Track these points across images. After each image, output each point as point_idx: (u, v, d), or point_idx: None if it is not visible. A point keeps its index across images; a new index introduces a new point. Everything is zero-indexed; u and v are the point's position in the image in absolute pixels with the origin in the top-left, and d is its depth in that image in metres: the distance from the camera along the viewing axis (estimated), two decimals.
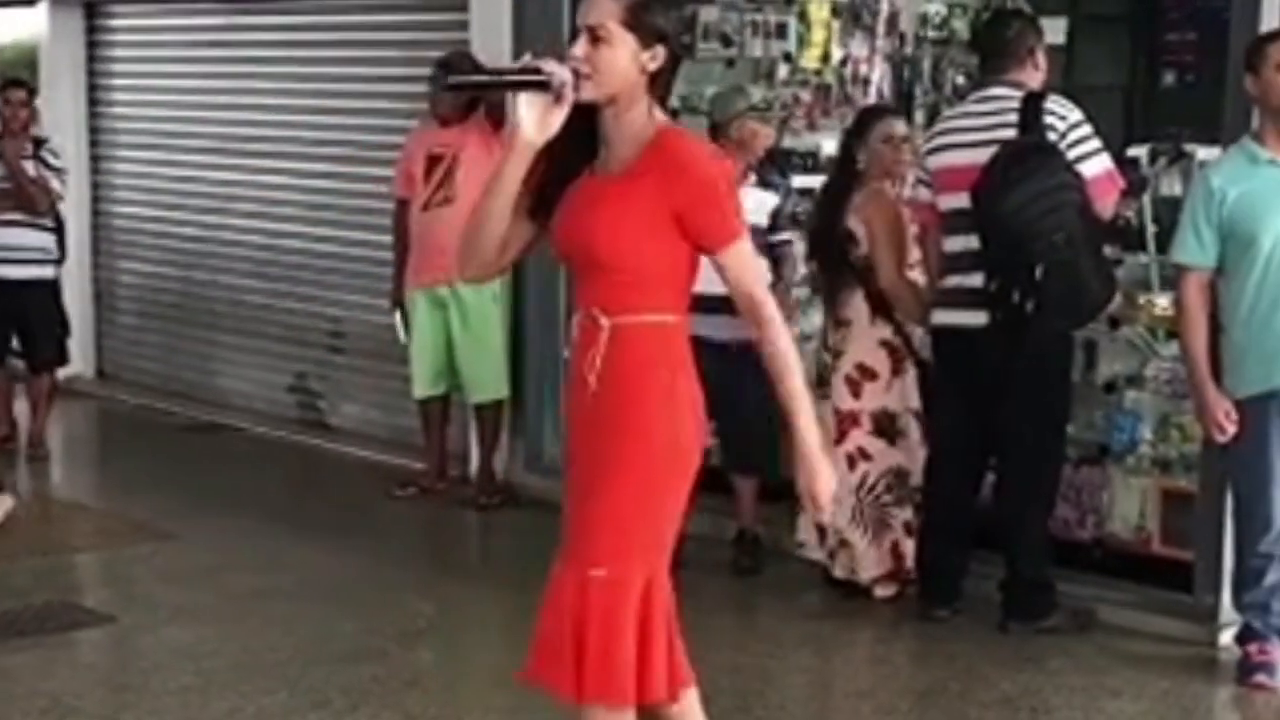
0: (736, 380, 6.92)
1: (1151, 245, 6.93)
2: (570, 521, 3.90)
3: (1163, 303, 6.72)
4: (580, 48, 3.71)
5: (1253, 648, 5.82)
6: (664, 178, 3.72)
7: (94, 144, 11.29)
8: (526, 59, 3.74)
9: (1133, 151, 7.51)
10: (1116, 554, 6.68)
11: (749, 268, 3.83)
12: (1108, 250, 6.90)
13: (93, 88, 11.30)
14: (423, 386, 8.33)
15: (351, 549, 7.40)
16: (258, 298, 10.25)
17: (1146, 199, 6.98)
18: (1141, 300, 6.76)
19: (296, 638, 6.21)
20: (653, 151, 3.74)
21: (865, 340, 6.62)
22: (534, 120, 3.67)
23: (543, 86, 3.65)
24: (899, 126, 6.73)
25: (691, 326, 6.92)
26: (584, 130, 3.77)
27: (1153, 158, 7.31)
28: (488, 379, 8.26)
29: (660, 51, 3.72)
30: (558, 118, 3.68)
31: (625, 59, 3.70)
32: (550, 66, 3.67)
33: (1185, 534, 6.42)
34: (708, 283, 6.91)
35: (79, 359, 10.57)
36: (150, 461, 9.00)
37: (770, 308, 3.82)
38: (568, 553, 3.85)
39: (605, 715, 3.80)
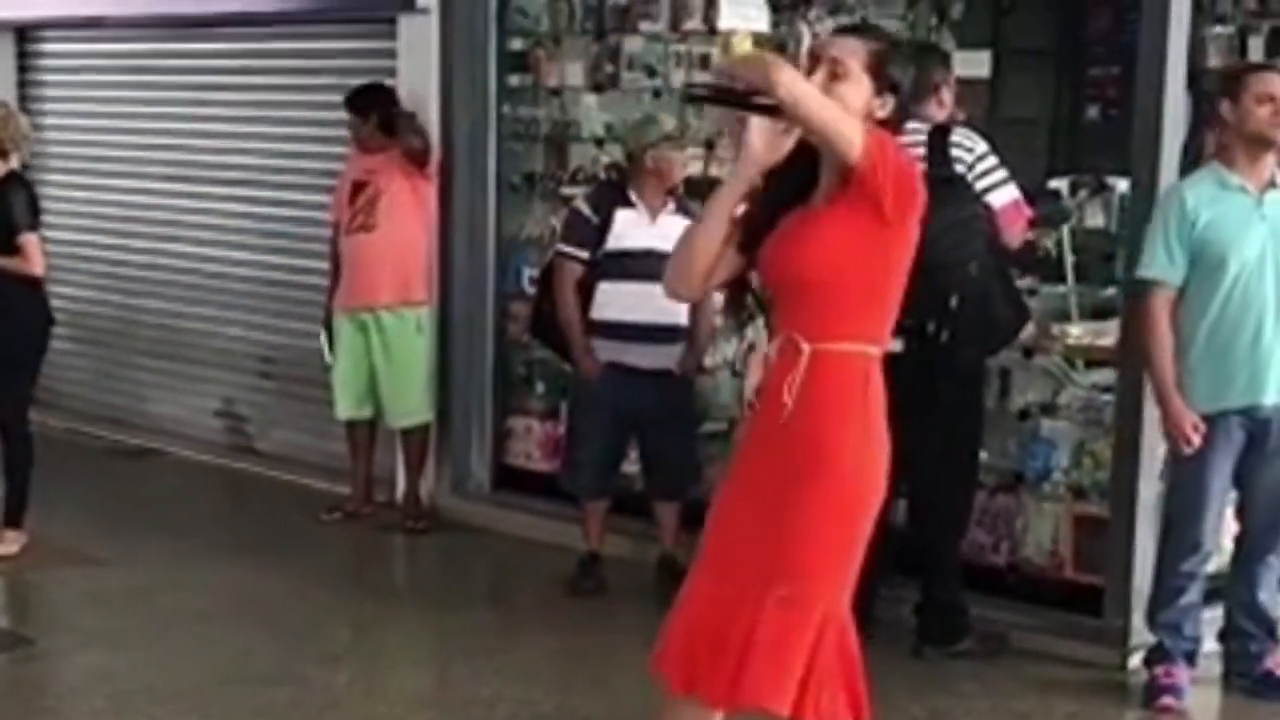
0: (660, 406, 7.05)
1: (1070, 276, 7.06)
2: (742, 539, 3.88)
3: (1076, 332, 6.85)
4: (819, 79, 3.76)
5: (1159, 670, 5.93)
6: (875, 199, 3.72)
7: (24, 168, 11.24)
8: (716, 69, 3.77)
9: (1054, 183, 7.65)
10: (1030, 579, 6.77)
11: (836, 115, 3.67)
12: (1029, 281, 7.05)
13: (24, 113, 11.26)
14: (345, 408, 8.39)
15: (276, 573, 7.43)
16: (188, 323, 10.25)
17: (1066, 230, 7.11)
18: (1055, 330, 6.87)
19: (215, 661, 6.24)
20: (859, 179, 3.72)
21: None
22: (764, 142, 3.71)
23: (776, 112, 3.65)
24: None
25: (614, 353, 7.10)
26: (804, 168, 3.81)
27: (1074, 189, 7.45)
28: (411, 404, 8.32)
29: (890, 101, 3.81)
30: (786, 144, 3.73)
31: (859, 101, 3.77)
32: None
33: (1097, 559, 6.52)
34: (633, 311, 7.06)
35: None
36: (78, 486, 8.99)
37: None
38: (736, 569, 3.85)
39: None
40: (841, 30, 4.00)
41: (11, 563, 7.47)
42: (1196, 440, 5.73)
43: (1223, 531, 6.09)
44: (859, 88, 3.79)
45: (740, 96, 3.67)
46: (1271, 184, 5.83)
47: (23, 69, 11.28)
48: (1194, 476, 5.82)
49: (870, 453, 3.91)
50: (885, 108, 3.83)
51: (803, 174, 3.83)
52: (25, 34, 11.21)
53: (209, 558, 7.66)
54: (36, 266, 7.51)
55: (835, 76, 3.77)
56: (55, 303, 10.79)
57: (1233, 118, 5.78)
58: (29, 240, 7.46)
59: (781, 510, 3.83)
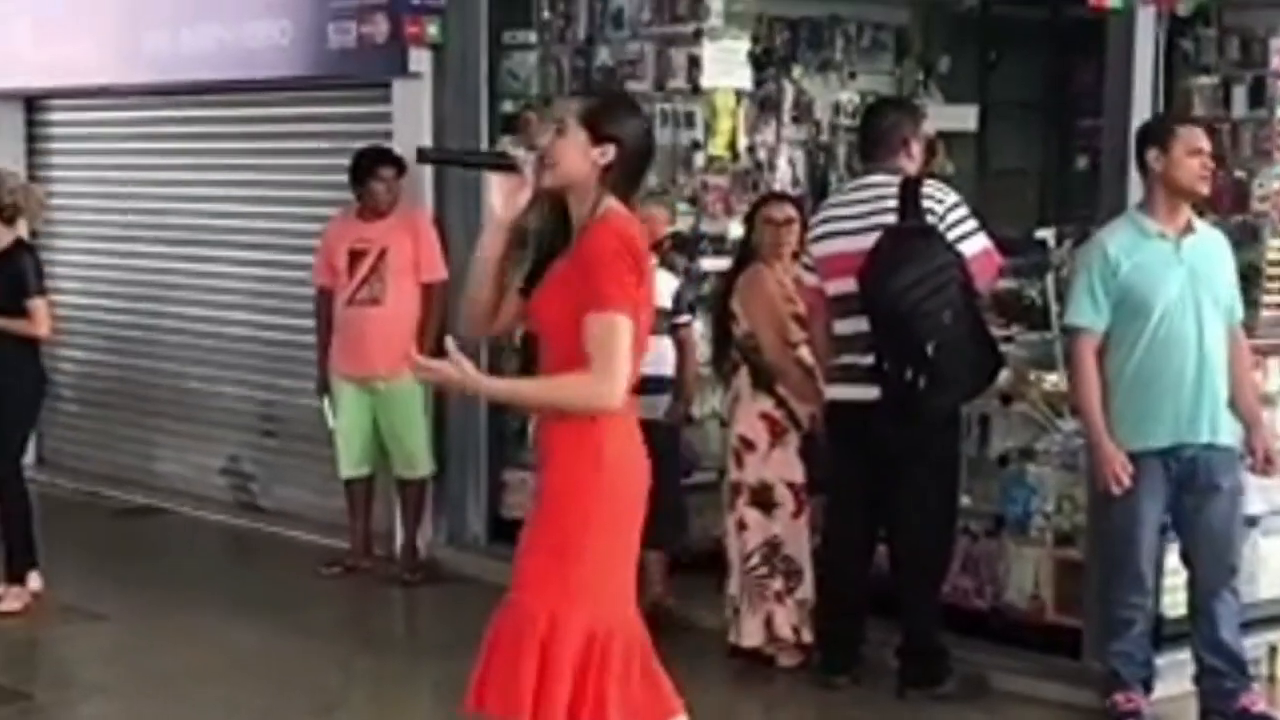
0: (647, 455, 7.14)
1: (1055, 324, 7.18)
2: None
3: (1052, 379, 6.95)
4: (545, 137, 4.23)
5: (1120, 697, 6.07)
6: (579, 256, 4.12)
7: (33, 235, 11.44)
8: (502, 143, 4.17)
9: (1040, 233, 7.79)
10: (1012, 623, 6.87)
11: (604, 341, 4.06)
12: (1014, 329, 7.19)
13: (32, 179, 11.46)
14: (349, 467, 8.53)
15: (274, 627, 7.55)
16: (192, 383, 10.42)
17: (1050, 279, 7.23)
18: (1031, 376, 6.99)
19: (214, 714, 6.35)
20: (583, 234, 4.15)
21: (747, 413, 6.85)
22: (502, 199, 4.19)
23: (509, 169, 4.18)
24: (779, 211, 6.95)
25: None
26: (564, 216, 4.22)
27: (1059, 239, 7.58)
28: (415, 457, 8.46)
29: (610, 150, 4.16)
30: (523, 198, 4.19)
31: (577, 152, 4.15)
32: (517, 152, 4.27)
33: (1078, 602, 6.62)
34: None
35: None
36: (83, 545, 9.14)
37: (592, 380, 4.07)
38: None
39: None
40: (573, 94, 4.50)
41: (14, 619, 7.60)
42: (1125, 480, 5.89)
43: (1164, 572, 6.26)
44: (575, 140, 4.17)
45: (474, 156, 4.13)
46: (1189, 228, 5.99)
47: (32, 137, 11.51)
48: (1126, 513, 5.98)
49: (580, 488, 4.18)
50: (605, 155, 4.16)
51: (557, 224, 4.25)
52: (33, 103, 11.43)
53: (210, 613, 7.78)
54: (43, 329, 7.73)
55: (559, 133, 4.19)
56: (63, 366, 11.09)
57: (1159, 166, 5.94)
58: (38, 304, 7.67)
59: (530, 529, 4.27)
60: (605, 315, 4.04)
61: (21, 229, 7.84)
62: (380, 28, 8.61)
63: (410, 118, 8.63)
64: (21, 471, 7.90)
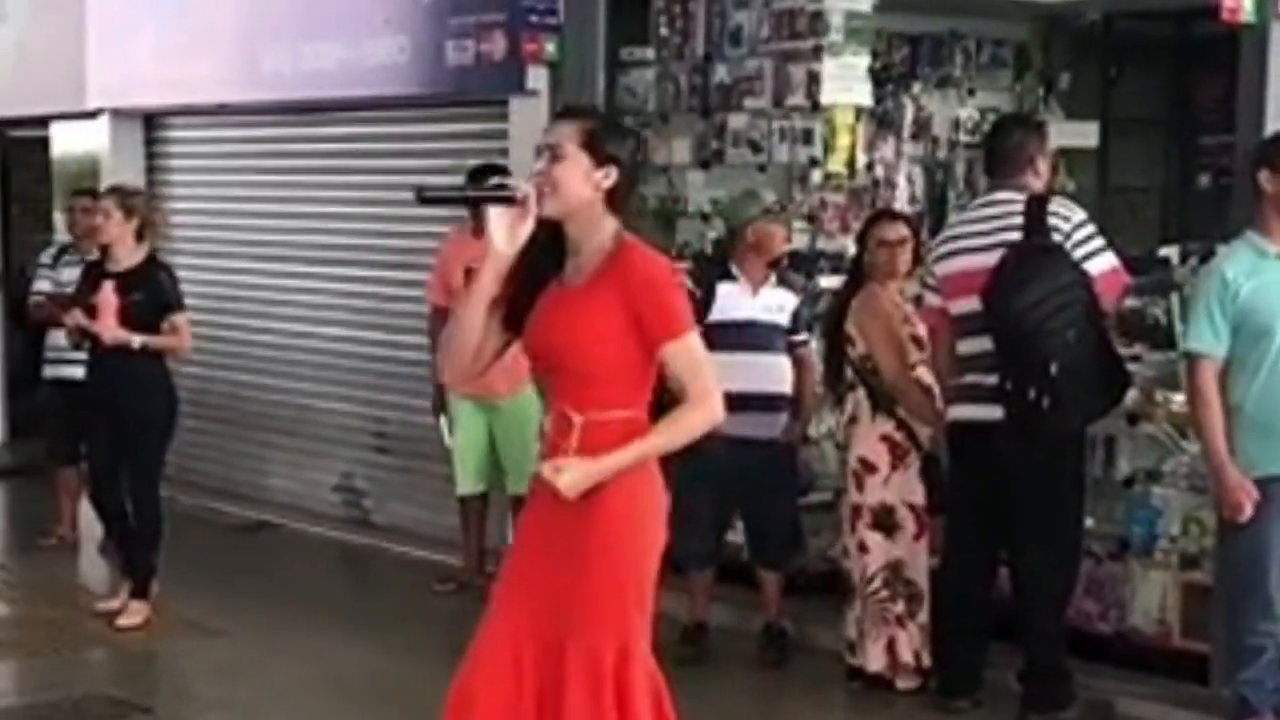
0: (764, 475, 7.10)
1: (1180, 343, 7.05)
2: (536, 599, 4.15)
3: (1179, 399, 6.81)
4: (540, 164, 4.05)
5: None
6: (625, 285, 4.01)
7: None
8: (495, 178, 4.06)
9: (1164, 251, 7.66)
10: (1138, 647, 6.76)
11: (691, 364, 4.06)
12: (1138, 348, 7.06)
13: (151, 197, 11.60)
14: (466, 485, 8.53)
15: (389, 643, 7.55)
16: (306, 400, 10.49)
17: (1175, 298, 7.10)
18: (1159, 397, 6.86)
19: None
20: (613, 262, 4.04)
21: (867, 435, 6.77)
22: (503, 232, 4.00)
23: (508, 201, 4.00)
24: (892, 230, 6.86)
25: (721, 424, 7.14)
26: (551, 244, 4.08)
27: (1183, 257, 7.45)
28: (530, 472, 8.41)
29: (613, 172, 4.05)
30: (525, 230, 4.00)
31: (579, 176, 4.02)
32: (515, 183, 4.07)
33: (1204, 626, 6.49)
34: (736, 381, 7.11)
35: None
36: (201, 560, 9.20)
37: (702, 404, 4.06)
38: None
39: None
40: (558, 116, 4.30)
41: (134, 634, 7.65)
42: (1249, 509, 5.76)
43: None
44: (576, 164, 4.03)
45: (472, 191, 4.01)
46: None
47: (151, 155, 11.64)
48: (1253, 539, 5.84)
49: (642, 510, 4.13)
50: (609, 178, 4.05)
51: (547, 251, 4.08)
52: (153, 121, 11.56)
53: (325, 629, 7.79)
54: (189, 343, 7.82)
55: (555, 159, 4.03)
56: (181, 382, 11.11)
57: (1270, 187, 5.80)
58: (183, 320, 7.75)
59: (567, 573, 4.07)
60: (684, 341, 4.04)
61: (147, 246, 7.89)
62: (498, 45, 8.64)
63: (527, 135, 8.59)
64: (158, 492, 7.92)
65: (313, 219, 10.35)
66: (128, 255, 7.67)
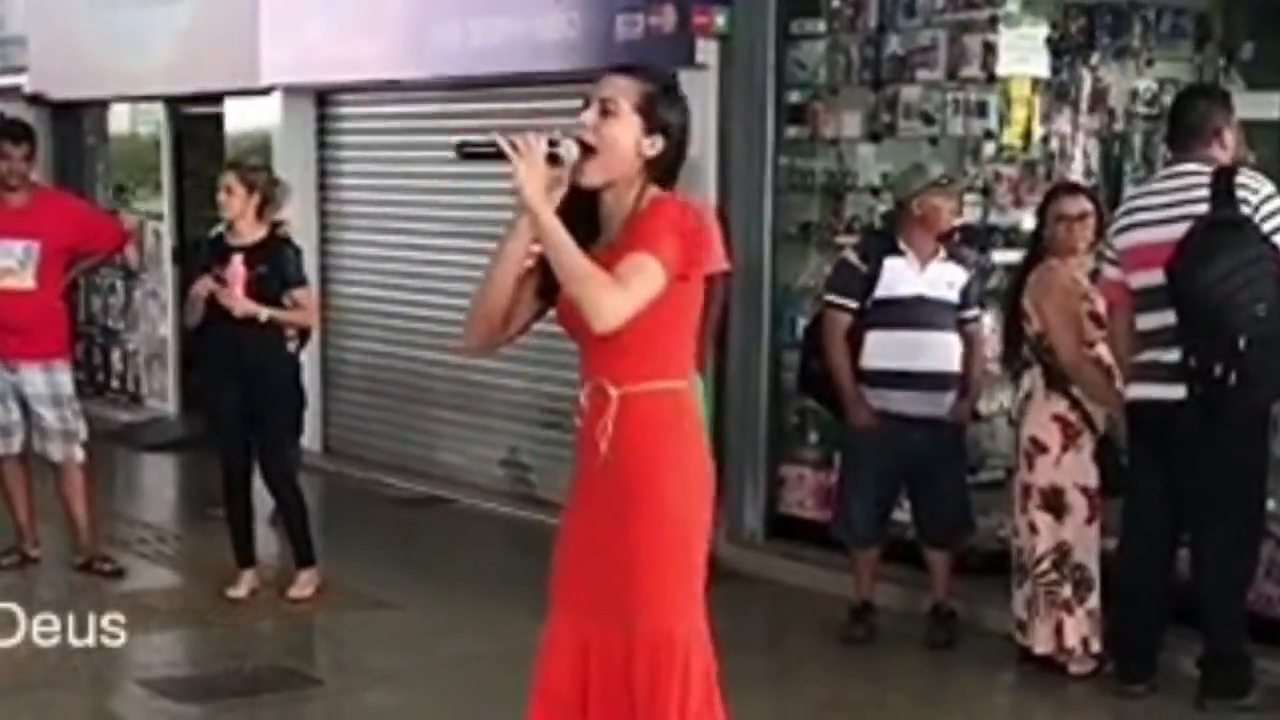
0: (932, 454, 7.00)
1: None
2: (587, 584, 3.97)
3: None
4: (590, 116, 3.86)
5: None
6: (631, 237, 3.81)
7: (323, 227, 11.72)
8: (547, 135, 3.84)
9: None
10: None
11: (636, 266, 3.74)
12: None
13: (322, 173, 11.75)
14: None
15: None
16: (473, 375, 10.52)
17: None
18: None
19: (501, 705, 6.32)
20: (640, 220, 3.84)
21: (1039, 414, 6.63)
22: (539, 192, 3.76)
23: (554, 160, 3.78)
24: (1073, 205, 6.71)
25: (884, 402, 7.07)
26: (587, 210, 3.88)
27: None
28: None
29: (659, 141, 3.85)
30: (559, 192, 3.79)
31: (628, 139, 3.83)
32: (564, 140, 3.81)
33: None
34: (903, 359, 7.04)
35: (309, 434, 10.92)
36: (369, 534, 9.29)
37: (613, 285, 3.72)
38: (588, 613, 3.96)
39: None
40: (615, 70, 3.99)
41: (304, 605, 7.74)
42: None
43: None
44: (628, 126, 3.84)
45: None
46: None
47: (322, 131, 11.76)
48: None
49: (691, 484, 3.93)
50: (654, 146, 3.85)
51: (582, 218, 3.85)
52: (325, 97, 11.68)
53: (494, 603, 7.78)
54: (315, 318, 7.93)
55: (606, 113, 3.83)
56: (349, 356, 11.31)
57: None
58: (303, 295, 7.82)
59: (619, 552, 3.86)
60: (644, 256, 3.74)
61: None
62: (668, 19, 8.59)
63: (695, 109, 8.50)
64: (289, 464, 8.00)
65: (480, 194, 10.36)
66: (250, 230, 7.72)
